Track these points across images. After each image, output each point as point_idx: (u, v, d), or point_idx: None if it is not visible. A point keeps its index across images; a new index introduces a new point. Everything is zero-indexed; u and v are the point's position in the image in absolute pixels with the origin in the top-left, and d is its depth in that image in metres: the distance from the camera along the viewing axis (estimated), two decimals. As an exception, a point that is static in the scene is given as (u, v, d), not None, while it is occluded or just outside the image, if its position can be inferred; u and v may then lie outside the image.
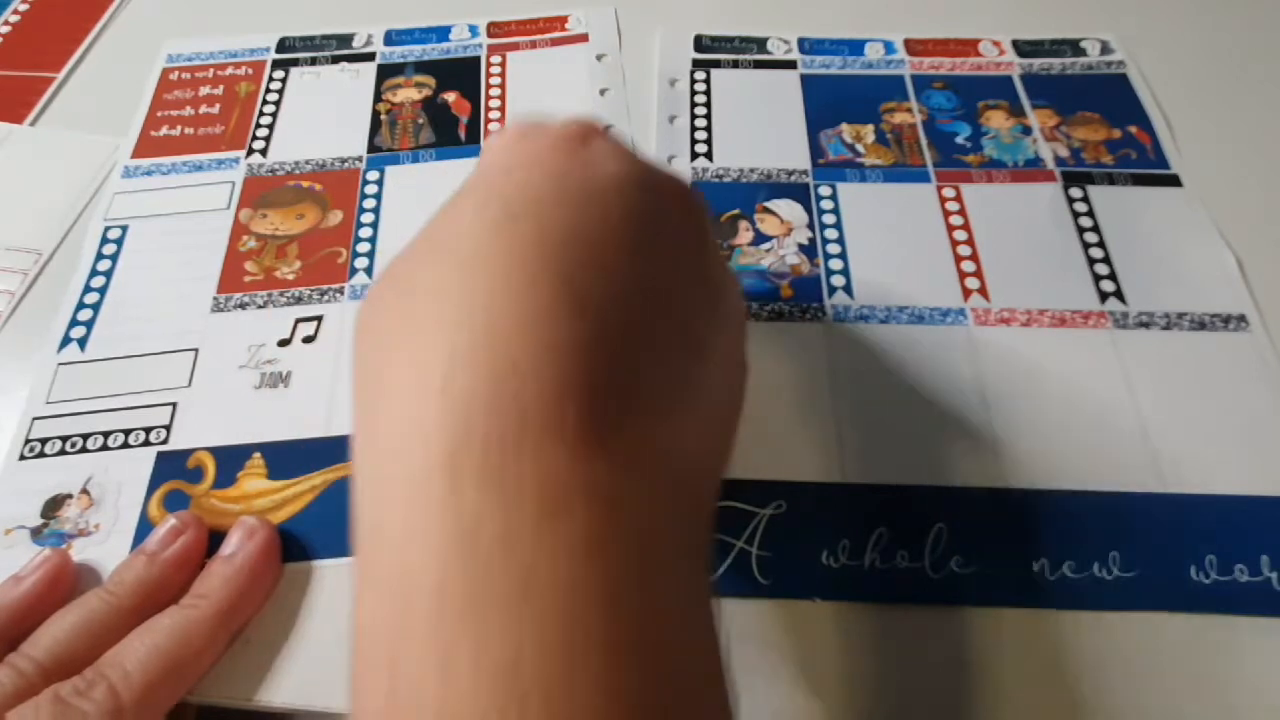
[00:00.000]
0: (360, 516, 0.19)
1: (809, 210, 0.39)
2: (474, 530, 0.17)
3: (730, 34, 0.47)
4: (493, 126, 0.43)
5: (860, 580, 0.29)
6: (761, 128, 0.42)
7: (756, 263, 0.37)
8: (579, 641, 0.16)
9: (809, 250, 0.38)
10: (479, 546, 0.17)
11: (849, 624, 0.28)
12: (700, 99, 0.44)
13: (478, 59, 0.47)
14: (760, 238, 0.38)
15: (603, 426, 0.18)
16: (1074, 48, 0.45)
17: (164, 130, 0.44)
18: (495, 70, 0.46)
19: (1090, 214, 0.38)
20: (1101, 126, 0.42)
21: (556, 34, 0.47)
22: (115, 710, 0.24)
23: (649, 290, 0.20)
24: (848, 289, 0.36)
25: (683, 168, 0.41)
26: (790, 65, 0.45)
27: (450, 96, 0.45)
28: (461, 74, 0.46)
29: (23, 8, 0.50)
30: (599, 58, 0.46)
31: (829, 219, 0.39)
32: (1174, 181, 0.40)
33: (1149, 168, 0.40)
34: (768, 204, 0.39)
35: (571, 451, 0.17)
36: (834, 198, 0.39)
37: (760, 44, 0.46)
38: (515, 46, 0.47)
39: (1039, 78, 0.44)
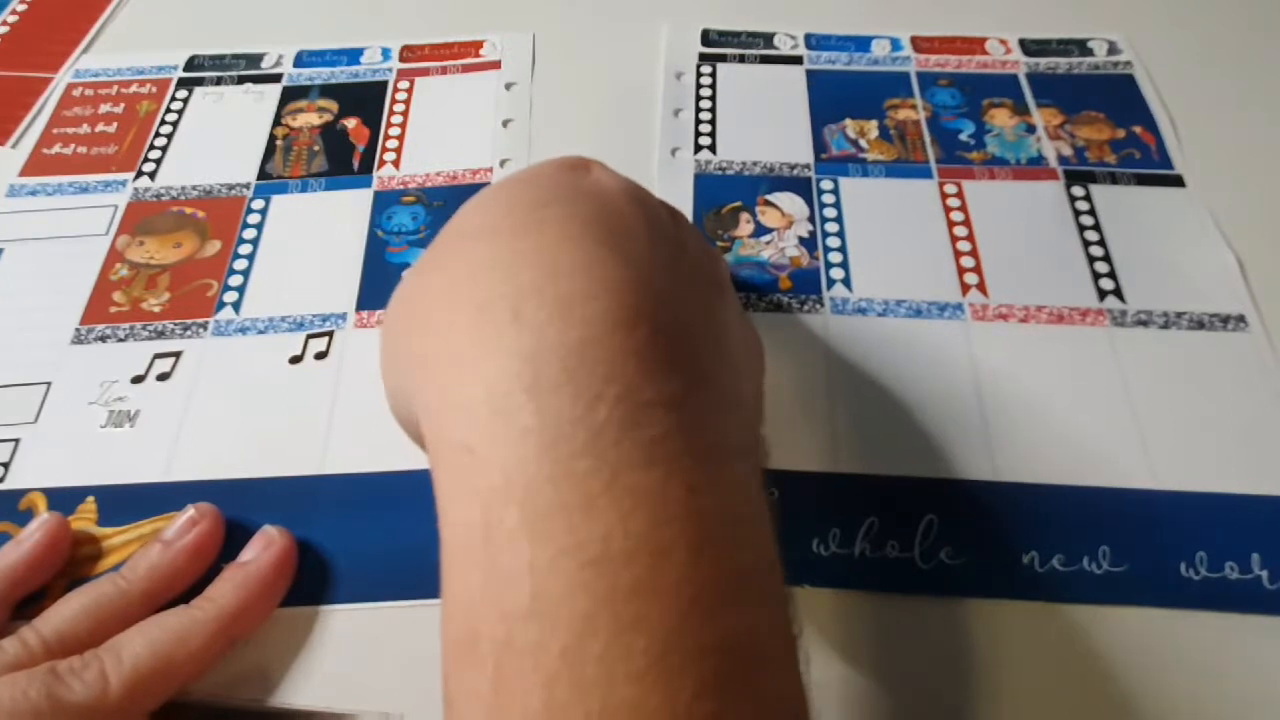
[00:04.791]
0: (444, 442, 0.21)
1: (810, 204, 0.39)
2: (555, 441, 0.18)
3: (737, 29, 0.47)
4: (388, 156, 0.41)
5: (850, 568, 0.29)
6: (765, 122, 0.42)
7: (756, 254, 0.37)
8: (662, 524, 0.18)
9: (809, 243, 0.38)
10: (560, 456, 0.18)
11: (838, 611, 0.28)
12: (705, 92, 0.44)
13: (385, 84, 0.44)
14: (761, 230, 0.38)
15: (665, 347, 0.20)
16: (1081, 47, 0.45)
17: (57, 148, 0.42)
18: (401, 96, 0.44)
19: (1092, 212, 0.38)
20: (1106, 126, 0.42)
21: (469, 59, 0.46)
22: (101, 694, 0.24)
23: (668, 262, 0.23)
24: (847, 282, 0.36)
25: (686, 160, 0.41)
26: (796, 60, 0.45)
27: (350, 123, 0.43)
28: (365, 99, 0.44)
29: (21, 8, 0.50)
30: (508, 86, 0.44)
31: (830, 213, 0.39)
32: (1177, 182, 0.40)
33: (1153, 168, 0.40)
34: (769, 196, 0.39)
35: (641, 368, 0.19)
36: (835, 192, 0.39)
37: (767, 39, 0.46)
38: (425, 72, 0.45)
39: (1045, 76, 0.44)
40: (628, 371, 0.19)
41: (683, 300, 0.22)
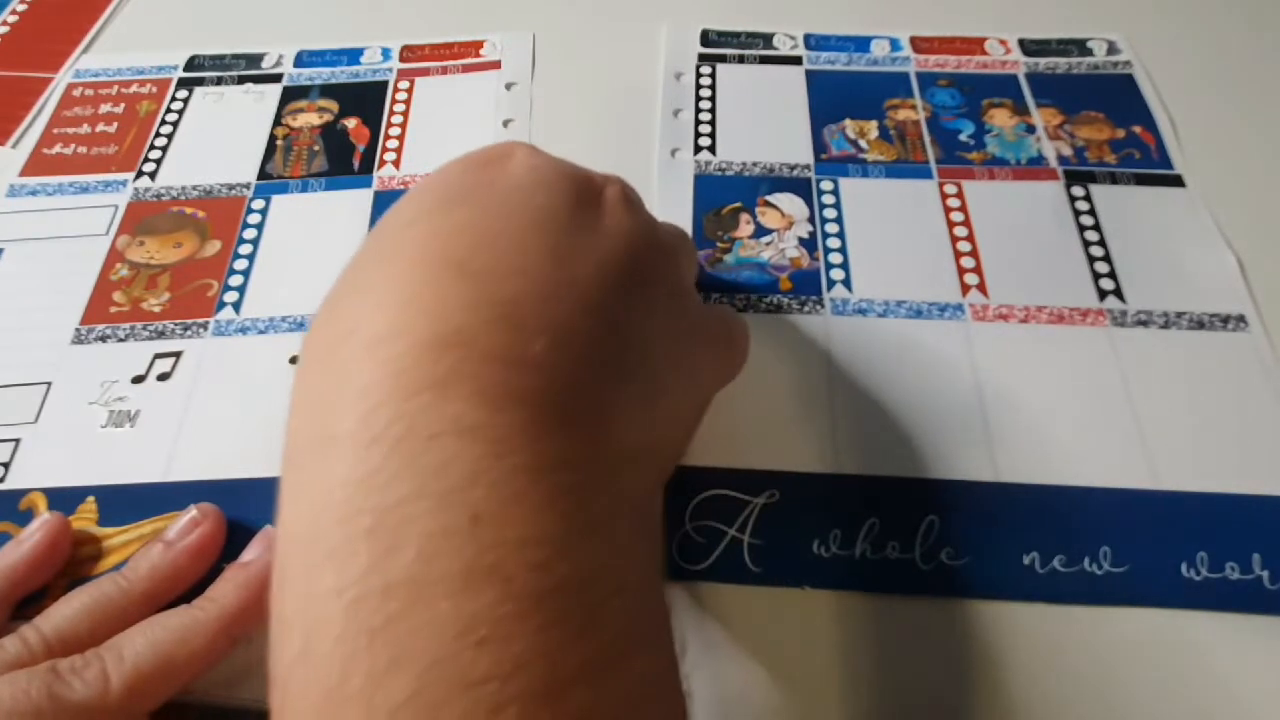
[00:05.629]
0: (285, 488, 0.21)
1: (810, 204, 0.39)
2: (334, 485, 0.19)
3: (737, 29, 0.47)
4: (388, 156, 0.41)
5: (850, 570, 0.29)
6: (765, 122, 0.42)
7: (756, 255, 0.37)
8: (430, 558, 0.17)
9: (809, 244, 0.38)
10: (334, 500, 0.18)
11: (838, 612, 0.28)
12: (705, 93, 0.44)
13: (385, 84, 0.45)
14: (761, 230, 0.38)
15: (477, 372, 0.19)
16: (1080, 47, 0.45)
17: (57, 148, 0.42)
18: (401, 97, 0.44)
19: (1092, 213, 0.38)
20: (1106, 126, 0.42)
21: (469, 59, 0.46)
22: (102, 693, 0.24)
23: (552, 257, 0.22)
24: (847, 283, 0.36)
25: (686, 161, 0.41)
26: (796, 61, 0.45)
27: (350, 123, 0.43)
28: (365, 99, 0.44)
29: (21, 8, 0.50)
30: (508, 86, 0.44)
31: (830, 213, 0.39)
32: (1177, 182, 0.40)
33: (1152, 168, 0.40)
34: (769, 197, 0.39)
35: (433, 400, 0.19)
36: (835, 192, 0.39)
37: (767, 39, 0.46)
38: (425, 72, 0.45)
39: (1044, 76, 0.44)
40: (417, 406, 0.19)
41: (561, 297, 0.21)
